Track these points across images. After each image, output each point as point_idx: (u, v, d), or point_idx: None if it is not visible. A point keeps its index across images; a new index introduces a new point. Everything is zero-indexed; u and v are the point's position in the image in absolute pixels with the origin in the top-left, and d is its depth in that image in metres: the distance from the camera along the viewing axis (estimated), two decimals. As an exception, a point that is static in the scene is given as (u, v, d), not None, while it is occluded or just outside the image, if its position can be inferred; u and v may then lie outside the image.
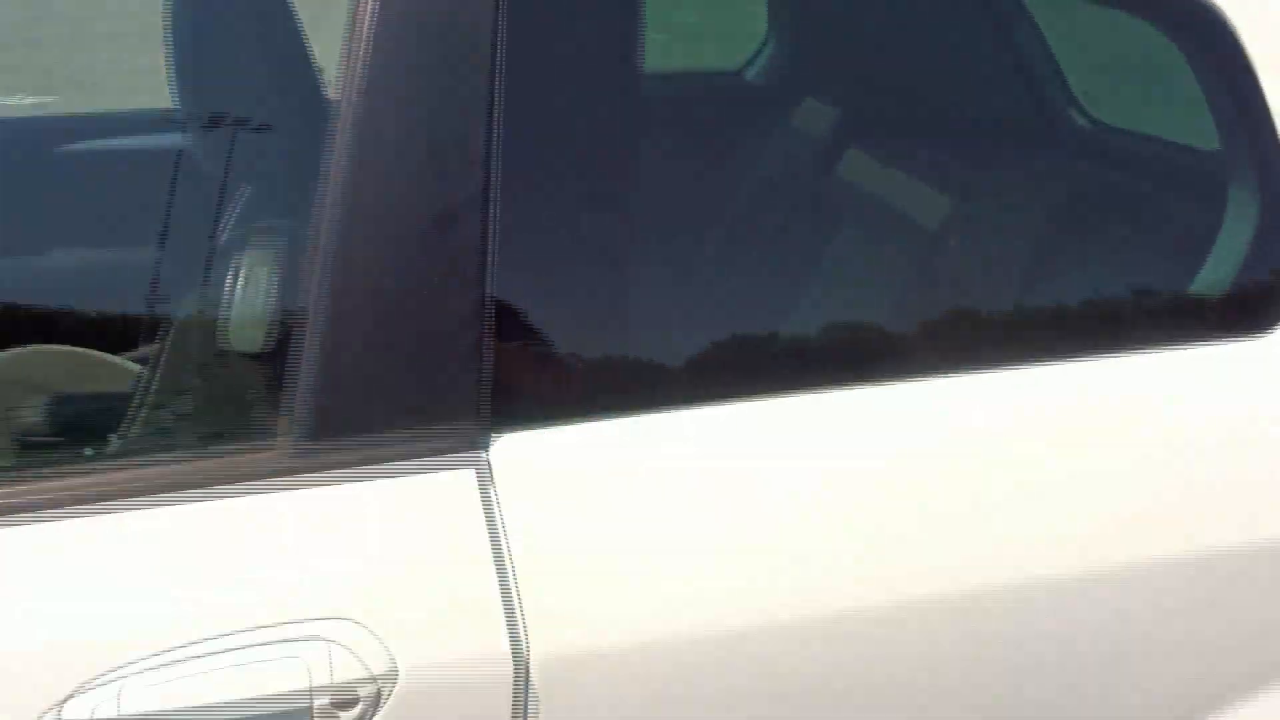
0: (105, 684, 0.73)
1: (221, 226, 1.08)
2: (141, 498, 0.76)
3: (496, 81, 0.79)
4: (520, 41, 0.80)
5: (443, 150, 0.79)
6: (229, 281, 0.95)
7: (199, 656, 0.74)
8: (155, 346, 1.05)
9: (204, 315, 1.04)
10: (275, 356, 0.88)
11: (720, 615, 0.81)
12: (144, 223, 1.30)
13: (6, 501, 0.75)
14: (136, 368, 1.10)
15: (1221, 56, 0.94)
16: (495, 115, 0.79)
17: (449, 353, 0.80)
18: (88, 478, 0.80)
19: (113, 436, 0.95)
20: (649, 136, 0.99)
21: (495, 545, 0.78)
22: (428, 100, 0.79)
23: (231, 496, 0.77)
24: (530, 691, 0.78)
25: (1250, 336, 0.92)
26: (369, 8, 0.77)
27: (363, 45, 0.78)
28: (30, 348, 1.18)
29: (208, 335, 1.01)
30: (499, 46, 0.79)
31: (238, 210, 1.10)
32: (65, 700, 0.72)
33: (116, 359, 1.17)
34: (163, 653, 0.74)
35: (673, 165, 1.14)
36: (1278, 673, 0.93)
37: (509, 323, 0.81)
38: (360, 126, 0.77)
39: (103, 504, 0.76)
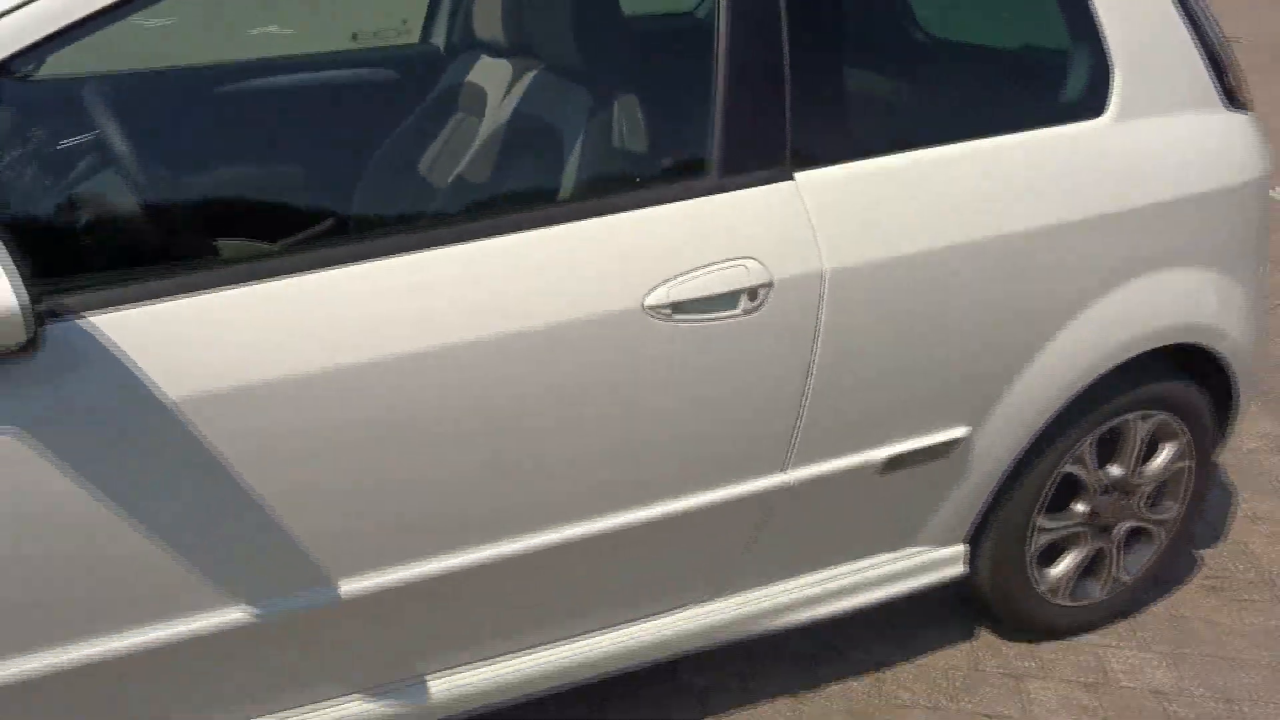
0: (666, 283, 1.63)
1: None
2: (655, 205, 1.66)
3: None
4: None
5: (767, 24, 1.72)
6: (619, 116, 1.85)
7: (703, 274, 1.65)
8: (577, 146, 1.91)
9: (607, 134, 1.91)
10: (654, 151, 1.81)
11: (926, 239, 1.78)
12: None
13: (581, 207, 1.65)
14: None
15: None
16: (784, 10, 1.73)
17: (778, 130, 1.72)
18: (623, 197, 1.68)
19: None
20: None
21: (805, 219, 1.72)
22: (758, 12, 1.72)
23: (689, 205, 1.68)
24: (826, 287, 1.73)
25: (1096, 116, 1.98)
26: None
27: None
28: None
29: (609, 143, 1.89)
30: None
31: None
32: (649, 291, 1.62)
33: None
34: (684, 273, 1.64)
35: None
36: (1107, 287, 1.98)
37: (799, 107, 1.74)
38: (730, 28, 1.70)
39: (639, 209, 1.65)
